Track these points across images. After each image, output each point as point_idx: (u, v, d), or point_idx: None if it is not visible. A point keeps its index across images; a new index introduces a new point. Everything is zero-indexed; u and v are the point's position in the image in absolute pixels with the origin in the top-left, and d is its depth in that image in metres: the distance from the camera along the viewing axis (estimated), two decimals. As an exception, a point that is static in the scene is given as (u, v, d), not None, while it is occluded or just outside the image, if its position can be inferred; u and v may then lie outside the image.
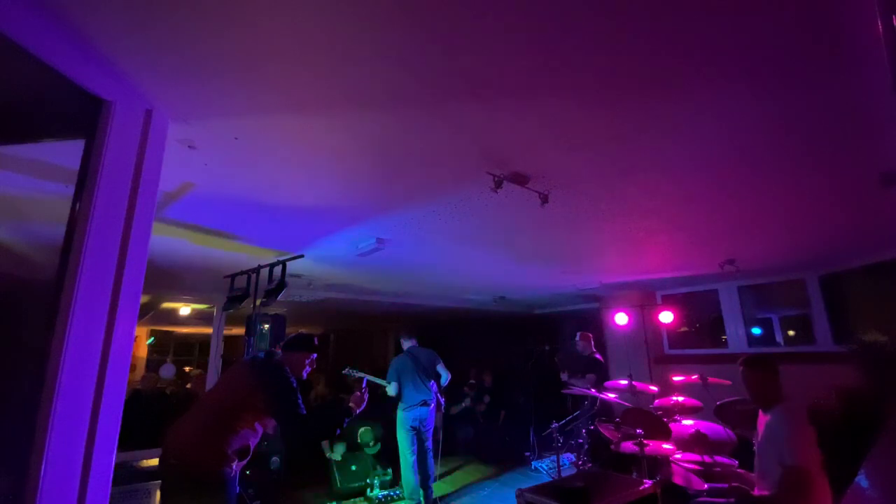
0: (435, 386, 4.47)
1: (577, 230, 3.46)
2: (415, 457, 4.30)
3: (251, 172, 2.31)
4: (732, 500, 2.51)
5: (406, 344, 4.61)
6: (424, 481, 4.31)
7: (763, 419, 2.44)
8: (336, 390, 7.53)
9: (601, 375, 5.18)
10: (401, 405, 4.39)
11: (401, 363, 4.45)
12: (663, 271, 5.31)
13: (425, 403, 4.30)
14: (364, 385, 2.66)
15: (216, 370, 5.15)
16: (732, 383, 3.55)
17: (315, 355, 2.60)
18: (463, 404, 6.95)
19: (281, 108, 1.72)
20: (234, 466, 2.08)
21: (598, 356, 5.40)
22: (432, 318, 9.16)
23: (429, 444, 4.38)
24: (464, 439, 6.70)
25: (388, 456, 5.19)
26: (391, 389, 4.39)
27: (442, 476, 5.39)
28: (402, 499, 4.51)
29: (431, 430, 4.41)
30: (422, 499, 4.28)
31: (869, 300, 4.79)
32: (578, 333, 5.56)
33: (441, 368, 4.47)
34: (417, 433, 4.36)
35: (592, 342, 5.52)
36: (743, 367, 2.47)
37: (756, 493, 2.39)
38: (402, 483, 4.35)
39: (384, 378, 4.49)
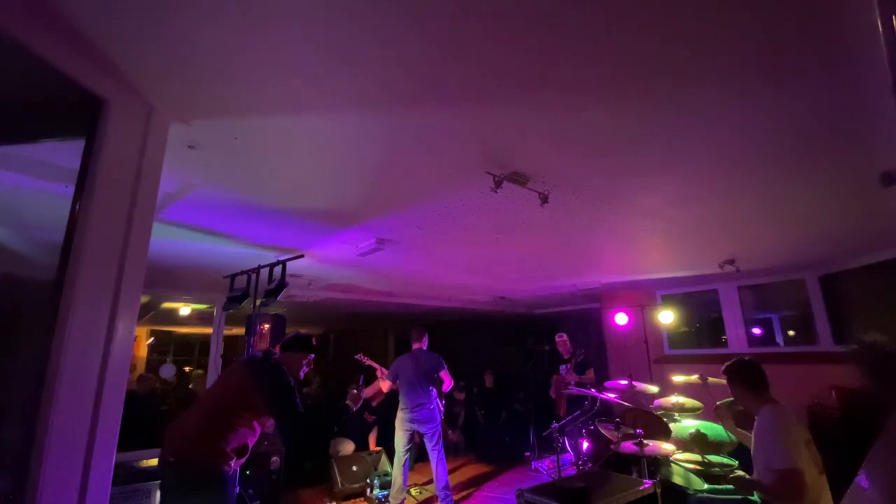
0: (435, 392, 4.41)
1: (577, 230, 3.46)
2: (407, 458, 4.28)
3: (251, 172, 2.31)
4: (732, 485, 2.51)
5: (414, 344, 4.58)
6: (437, 488, 4.22)
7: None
8: (333, 389, 7.53)
9: (598, 369, 5.26)
10: (399, 406, 4.40)
11: (402, 364, 4.43)
12: (663, 271, 5.31)
13: (422, 407, 4.28)
14: (360, 383, 2.68)
15: (216, 370, 5.14)
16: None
17: (312, 356, 2.62)
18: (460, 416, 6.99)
19: (281, 108, 1.72)
20: (232, 464, 2.10)
21: (580, 351, 5.60)
22: (432, 318, 9.15)
23: (435, 447, 4.25)
24: (464, 439, 6.71)
25: (391, 456, 5.19)
26: (384, 386, 4.50)
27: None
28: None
29: (436, 435, 4.29)
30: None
31: (869, 300, 4.78)
32: (556, 338, 5.79)
33: (444, 375, 4.42)
34: (415, 436, 4.35)
35: (568, 340, 5.74)
36: (725, 376, 2.47)
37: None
38: (391, 481, 4.34)
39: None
